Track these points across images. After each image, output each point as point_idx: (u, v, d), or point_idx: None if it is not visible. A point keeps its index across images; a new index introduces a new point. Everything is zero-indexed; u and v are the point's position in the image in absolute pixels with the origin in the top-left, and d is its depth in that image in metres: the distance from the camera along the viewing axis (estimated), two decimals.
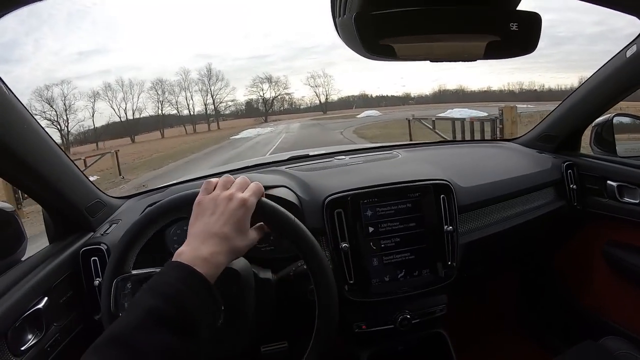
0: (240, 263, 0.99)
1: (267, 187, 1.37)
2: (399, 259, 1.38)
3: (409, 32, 0.82)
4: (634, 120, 1.78)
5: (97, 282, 1.29)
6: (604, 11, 0.96)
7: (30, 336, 1.08)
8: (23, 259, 1.23)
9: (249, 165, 1.89)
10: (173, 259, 0.79)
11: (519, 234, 1.66)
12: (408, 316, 1.41)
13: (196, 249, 0.80)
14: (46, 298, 1.14)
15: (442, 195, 1.41)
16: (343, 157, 1.81)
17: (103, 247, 1.31)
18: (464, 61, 0.92)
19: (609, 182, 1.68)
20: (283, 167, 1.69)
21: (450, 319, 1.51)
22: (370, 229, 1.36)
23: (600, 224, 1.79)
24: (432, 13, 0.83)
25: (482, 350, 1.97)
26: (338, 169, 1.64)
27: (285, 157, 1.93)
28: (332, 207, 1.34)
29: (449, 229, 1.39)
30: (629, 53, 1.48)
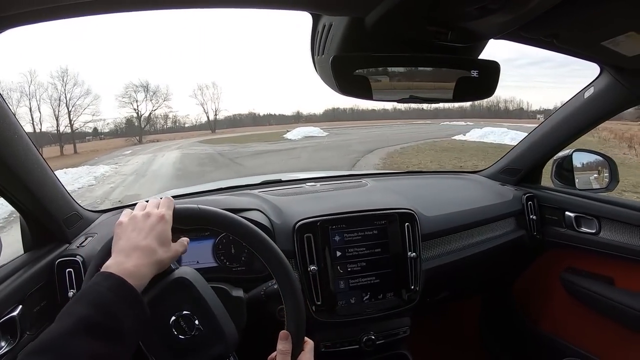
0: (186, 270, 0.99)
1: (240, 210, 1.42)
2: (364, 282, 1.43)
3: (381, 75, 0.88)
4: (592, 155, 1.85)
5: (72, 293, 1.30)
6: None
7: (3, 343, 1.09)
8: None
9: (222, 187, 1.92)
10: (101, 272, 0.81)
11: (480, 261, 1.74)
12: (373, 337, 1.46)
13: (122, 262, 0.82)
14: (20, 306, 1.15)
15: (406, 224, 1.47)
16: (314, 183, 1.87)
17: (79, 259, 1.32)
18: (431, 103, 0.98)
19: (567, 213, 1.76)
20: (256, 191, 1.74)
21: (413, 341, 1.58)
22: (338, 253, 1.42)
23: (559, 252, 1.88)
24: (403, 59, 0.89)
25: None
26: (309, 195, 1.70)
27: (258, 181, 1.97)
28: (302, 232, 1.39)
29: (412, 255, 1.46)
30: (586, 94, 1.58)
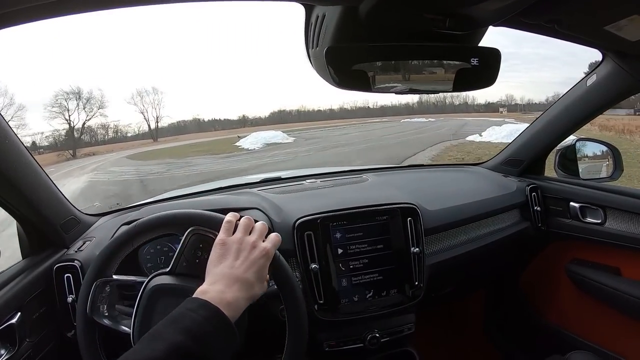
0: (155, 280, 1.00)
1: (240, 209, 1.40)
2: (367, 280, 1.41)
3: (378, 66, 0.86)
4: (595, 143, 1.82)
5: (71, 298, 1.29)
6: None
7: (3, 351, 1.08)
8: None
9: (223, 186, 1.91)
10: (196, 296, 0.82)
11: (485, 255, 1.72)
12: (377, 335, 1.44)
13: (221, 292, 0.83)
14: (19, 313, 1.14)
15: (409, 218, 1.45)
16: (314, 180, 1.86)
17: (77, 263, 1.31)
18: (431, 93, 0.95)
19: (571, 203, 1.74)
20: (255, 189, 1.73)
21: (418, 337, 1.56)
22: (339, 251, 1.39)
23: (564, 243, 1.86)
24: (400, 49, 0.86)
25: None
26: (309, 192, 1.69)
27: (258, 180, 1.96)
28: (302, 230, 1.37)
29: (415, 250, 1.44)
30: (589, 82, 1.56)
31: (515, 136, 2.02)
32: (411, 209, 1.47)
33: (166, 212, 1.07)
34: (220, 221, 1.00)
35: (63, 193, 1.43)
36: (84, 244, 1.42)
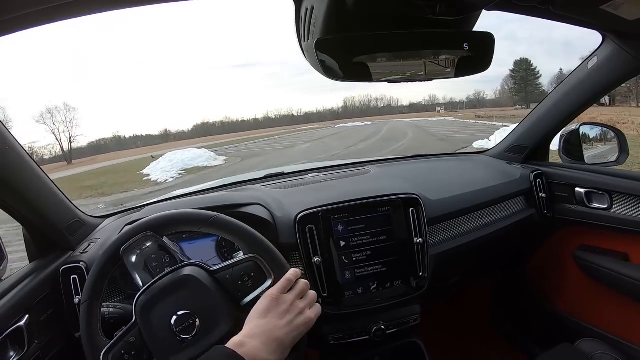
0: (192, 269, 1.02)
1: (242, 205, 1.41)
2: (370, 272, 1.41)
3: (370, 55, 0.85)
4: (600, 128, 1.80)
5: (77, 299, 1.30)
6: None
7: (12, 353, 1.10)
8: (3, 278, 1.24)
9: (227, 183, 1.91)
10: (231, 347, 0.82)
11: (490, 243, 1.71)
12: (382, 327, 1.45)
13: (258, 349, 0.83)
14: (27, 316, 1.16)
15: (411, 209, 1.45)
16: (317, 174, 1.86)
17: (82, 265, 1.33)
18: (423, 81, 0.94)
19: (577, 189, 1.73)
20: (258, 185, 1.74)
21: (425, 328, 1.56)
22: (342, 243, 1.40)
23: (571, 230, 1.85)
24: (391, 37, 0.85)
25: (458, 357, 2.00)
26: (310, 186, 1.69)
27: (261, 175, 1.97)
28: (304, 223, 1.38)
29: (418, 241, 1.43)
30: (590, 64, 1.54)
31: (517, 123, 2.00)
32: (413, 199, 1.46)
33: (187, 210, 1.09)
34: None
35: (67, 196, 1.44)
36: (89, 245, 1.43)
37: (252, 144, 29.21)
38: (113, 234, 1.45)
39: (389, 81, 0.92)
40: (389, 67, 0.89)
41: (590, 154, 1.80)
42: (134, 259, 1.02)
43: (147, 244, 1.04)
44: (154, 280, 1.00)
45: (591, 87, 1.61)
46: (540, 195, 1.81)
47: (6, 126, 1.11)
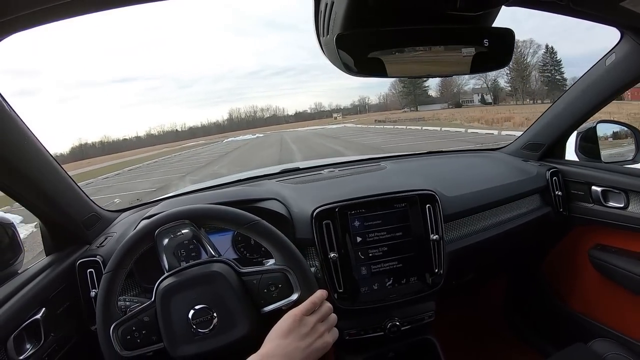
0: (222, 266, 1.04)
1: (258, 200, 1.43)
2: (386, 268, 1.43)
3: (389, 50, 0.86)
4: (617, 126, 1.80)
5: (94, 293, 1.33)
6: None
7: (28, 345, 1.12)
8: (20, 271, 1.26)
9: (242, 178, 1.94)
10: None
11: (505, 241, 1.72)
12: (397, 323, 1.46)
13: None
14: (44, 309, 1.18)
15: (427, 205, 1.46)
16: (332, 169, 1.88)
17: (99, 259, 1.36)
18: (445, 76, 0.95)
19: (593, 187, 1.73)
20: (274, 180, 1.76)
21: (439, 325, 1.57)
22: (358, 239, 1.41)
23: (586, 228, 1.85)
24: (410, 32, 0.86)
25: (471, 355, 2.02)
26: (327, 181, 1.71)
27: (277, 170, 1.99)
28: (320, 219, 1.39)
29: (435, 237, 1.44)
30: (608, 61, 1.54)
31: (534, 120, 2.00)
32: (430, 195, 1.47)
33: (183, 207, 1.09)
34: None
35: (84, 191, 1.47)
36: (105, 239, 1.46)
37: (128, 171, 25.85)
38: (129, 228, 1.49)
39: (410, 77, 0.93)
40: (410, 62, 0.90)
41: (607, 152, 1.79)
42: (166, 241, 1.04)
43: (183, 231, 1.06)
44: (182, 267, 1.02)
45: (609, 85, 1.60)
46: (556, 193, 1.81)
47: (24, 121, 1.13)
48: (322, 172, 1.85)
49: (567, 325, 1.98)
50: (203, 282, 1.00)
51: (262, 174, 1.97)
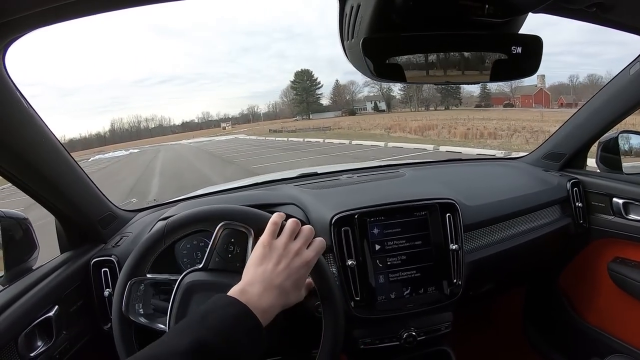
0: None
1: (276, 205, 1.43)
2: (404, 277, 1.42)
3: (414, 56, 0.86)
4: None
5: (107, 292, 1.35)
6: None
7: (40, 343, 1.13)
8: (34, 267, 1.27)
9: (259, 182, 1.95)
10: (231, 294, 0.82)
11: (524, 252, 1.71)
12: (413, 333, 1.45)
13: (258, 296, 0.83)
14: (57, 306, 1.20)
15: (447, 214, 1.45)
16: (351, 175, 1.87)
17: (114, 258, 1.37)
18: (469, 84, 0.95)
19: (614, 199, 1.72)
20: (292, 185, 1.76)
21: (455, 336, 1.56)
22: (377, 247, 1.40)
23: (606, 241, 1.83)
24: (437, 38, 0.86)
25: None
26: (346, 187, 1.71)
27: (295, 175, 1.99)
28: (339, 225, 1.39)
29: (454, 247, 1.44)
30: (632, 71, 1.53)
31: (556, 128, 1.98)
32: (450, 204, 1.46)
33: (198, 208, 1.09)
34: (254, 216, 1.04)
35: (100, 190, 1.48)
36: (121, 239, 1.47)
37: None
38: (145, 229, 1.49)
39: (433, 83, 0.93)
40: (434, 68, 0.89)
41: (629, 163, 1.77)
42: (221, 235, 1.04)
43: (225, 233, 1.05)
44: (211, 267, 1.02)
45: (633, 95, 1.59)
46: (577, 204, 1.80)
47: (42, 119, 1.14)
48: (340, 177, 1.85)
49: (584, 339, 1.96)
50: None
51: (279, 177, 1.97)
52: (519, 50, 0.88)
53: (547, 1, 0.85)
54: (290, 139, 26.47)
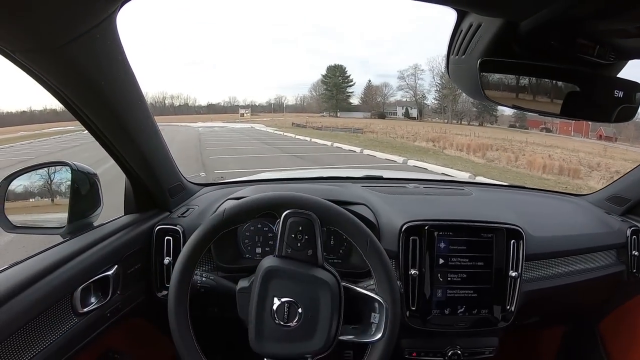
0: (328, 276, 1.06)
1: (347, 202, 1.48)
2: (461, 295, 1.45)
3: (524, 83, 0.89)
4: None
5: (167, 260, 1.39)
6: None
7: (93, 299, 1.16)
8: (95, 224, 1.31)
9: (324, 176, 1.97)
10: None
11: (575, 291, 1.72)
12: (459, 352, 1.48)
13: None
14: (116, 266, 1.24)
15: (512, 240, 1.47)
16: (417, 185, 1.89)
17: (179, 229, 1.41)
18: (569, 119, 0.97)
19: None
20: (358, 185, 1.78)
21: None
22: (441, 261, 1.43)
23: None
24: (546, 69, 0.90)
25: None
26: (415, 196, 1.73)
27: (360, 175, 2.01)
28: (408, 234, 1.42)
29: (514, 274, 1.45)
30: None
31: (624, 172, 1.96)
32: (516, 231, 1.48)
33: (286, 192, 1.12)
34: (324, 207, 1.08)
35: (174, 160, 1.52)
36: (187, 210, 1.52)
37: None
38: (212, 204, 1.54)
39: (541, 113, 0.96)
40: (538, 97, 0.93)
41: None
42: (288, 223, 1.07)
43: (303, 221, 1.08)
44: (284, 255, 1.07)
45: None
46: (633, 252, 1.78)
47: (139, 84, 1.16)
48: (407, 186, 1.87)
49: None
50: (306, 281, 1.03)
51: (345, 175, 1.99)
52: (621, 94, 0.91)
53: None
54: (313, 139, 21.75)
